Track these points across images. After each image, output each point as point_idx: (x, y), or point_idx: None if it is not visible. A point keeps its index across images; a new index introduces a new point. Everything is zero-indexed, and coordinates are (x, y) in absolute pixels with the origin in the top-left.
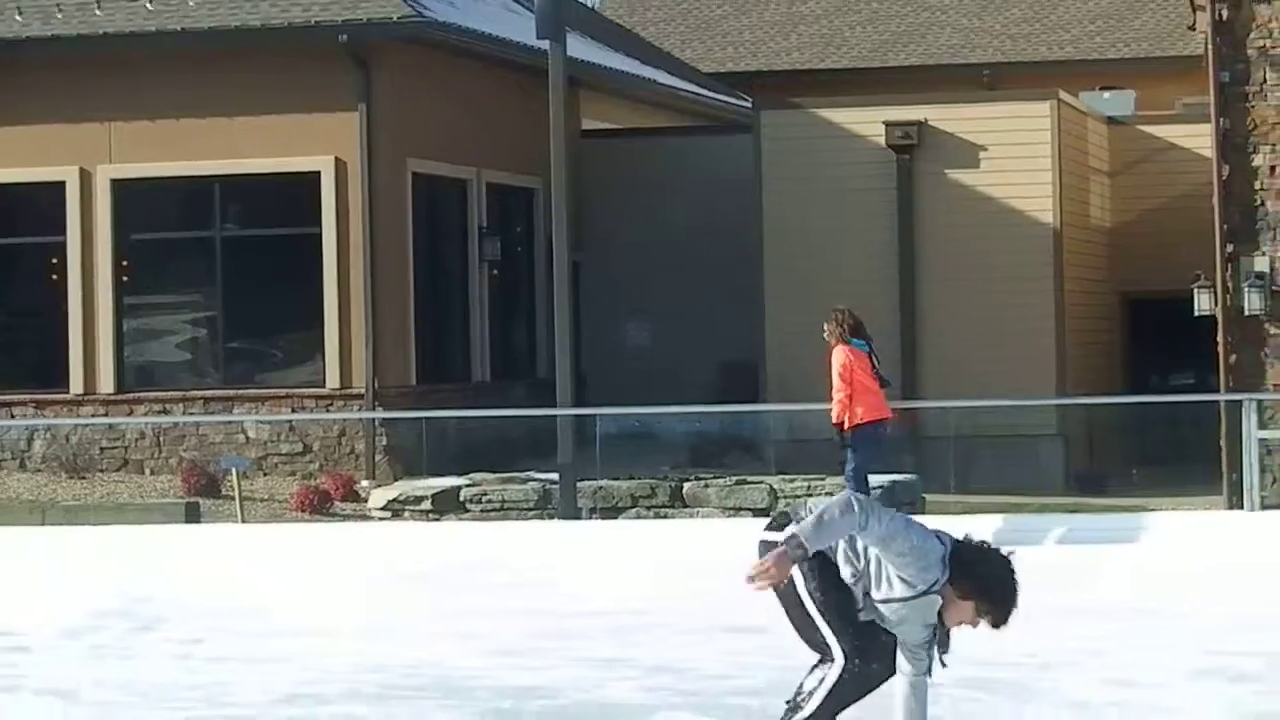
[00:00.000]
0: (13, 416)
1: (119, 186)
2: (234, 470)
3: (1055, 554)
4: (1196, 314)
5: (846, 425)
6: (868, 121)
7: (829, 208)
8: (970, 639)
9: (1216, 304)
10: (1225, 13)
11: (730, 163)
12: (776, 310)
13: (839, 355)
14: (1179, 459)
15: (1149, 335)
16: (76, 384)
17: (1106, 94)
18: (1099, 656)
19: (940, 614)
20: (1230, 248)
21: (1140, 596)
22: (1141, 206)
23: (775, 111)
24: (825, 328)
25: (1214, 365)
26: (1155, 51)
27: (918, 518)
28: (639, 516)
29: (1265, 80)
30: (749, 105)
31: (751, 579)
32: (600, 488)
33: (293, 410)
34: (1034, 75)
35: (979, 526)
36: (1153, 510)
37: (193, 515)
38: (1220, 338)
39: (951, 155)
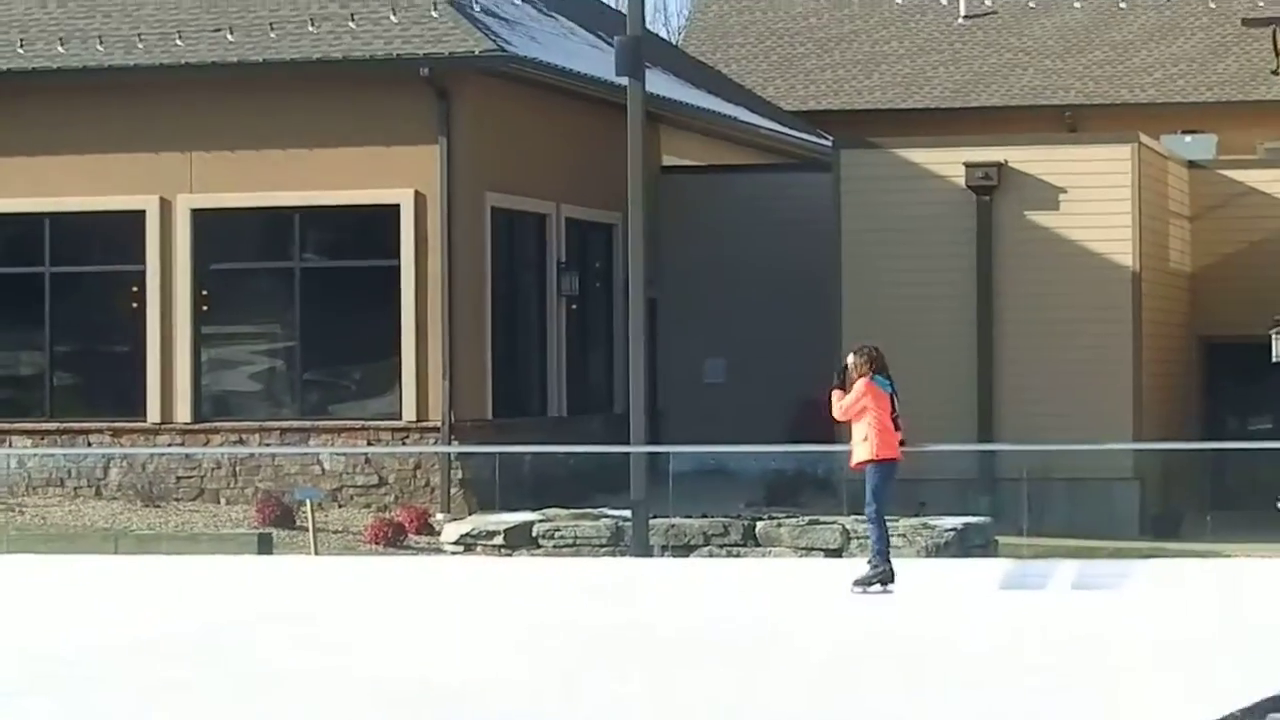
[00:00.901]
0: (89, 444)
1: (199, 216)
2: (308, 501)
3: (1129, 597)
4: (1275, 359)
5: (861, 462)
6: (948, 162)
7: (908, 247)
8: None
9: None
10: None
11: (810, 201)
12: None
13: (857, 391)
14: (1254, 504)
15: (1227, 380)
16: (154, 413)
17: (1188, 137)
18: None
19: None
20: None
21: (1213, 640)
22: (1221, 251)
23: (855, 150)
24: (849, 361)
25: None
26: (1237, 96)
27: (990, 560)
28: (711, 555)
29: None
30: (829, 144)
31: None
32: (673, 525)
33: (369, 442)
34: (1115, 118)
35: (1051, 570)
36: (1227, 556)
37: (265, 546)
38: None
39: (1031, 197)
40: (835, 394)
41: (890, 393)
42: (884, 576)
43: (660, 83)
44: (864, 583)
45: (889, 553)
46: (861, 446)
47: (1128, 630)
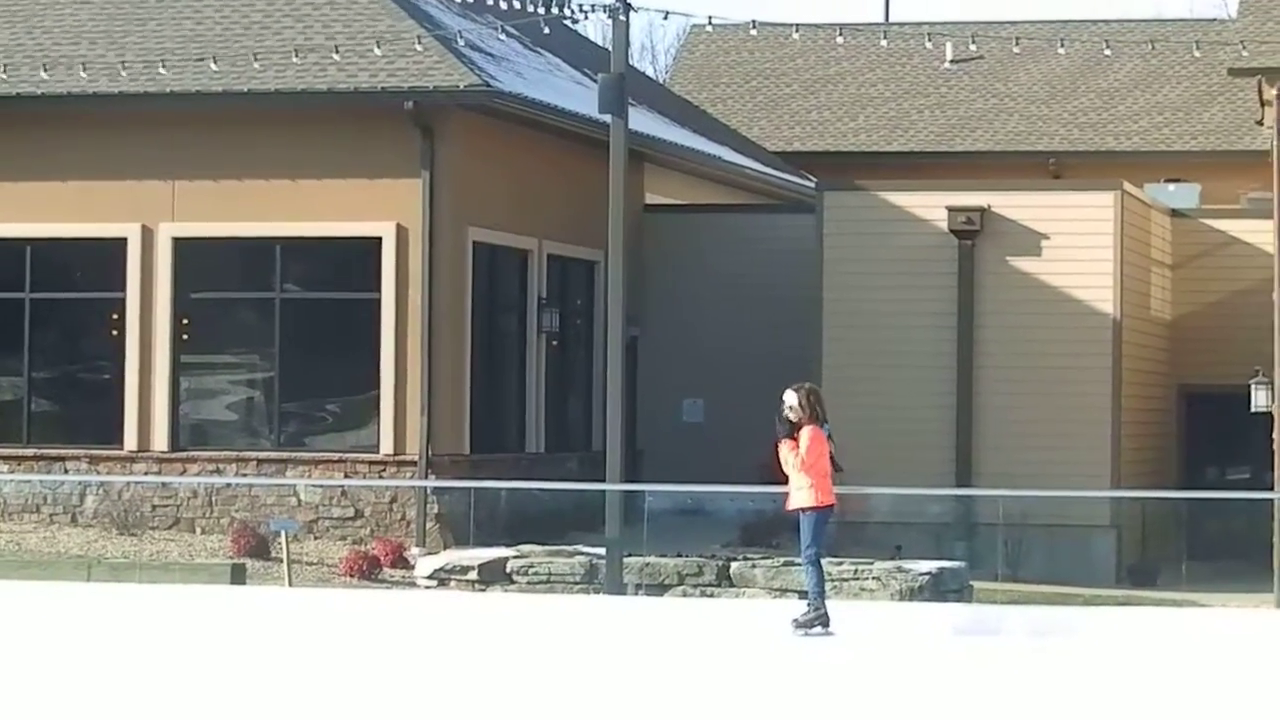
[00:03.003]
0: (66, 471)
1: (180, 244)
2: (284, 533)
3: (1103, 647)
4: (1253, 410)
5: (802, 508)
6: (931, 206)
7: (889, 290)
8: None
9: (1274, 400)
10: None
11: (792, 242)
12: (833, 389)
13: (813, 438)
14: (1231, 555)
15: (1206, 429)
16: (131, 440)
17: (1171, 186)
18: None
19: None
20: None
21: (1195, 695)
22: (1202, 300)
23: (839, 193)
24: (790, 400)
25: (1270, 462)
26: (1222, 145)
27: (965, 606)
28: (685, 594)
29: None
30: (813, 185)
31: None
32: (647, 564)
33: (345, 475)
34: (1099, 165)
35: (1029, 617)
36: (1202, 606)
37: (238, 577)
38: (1276, 434)
39: (1013, 242)
40: (786, 444)
41: (828, 435)
42: (824, 619)
43: (644, 121)
44: (805, 624)
45: (825, 594)
46: (804, 493)
47: (1059, 679)
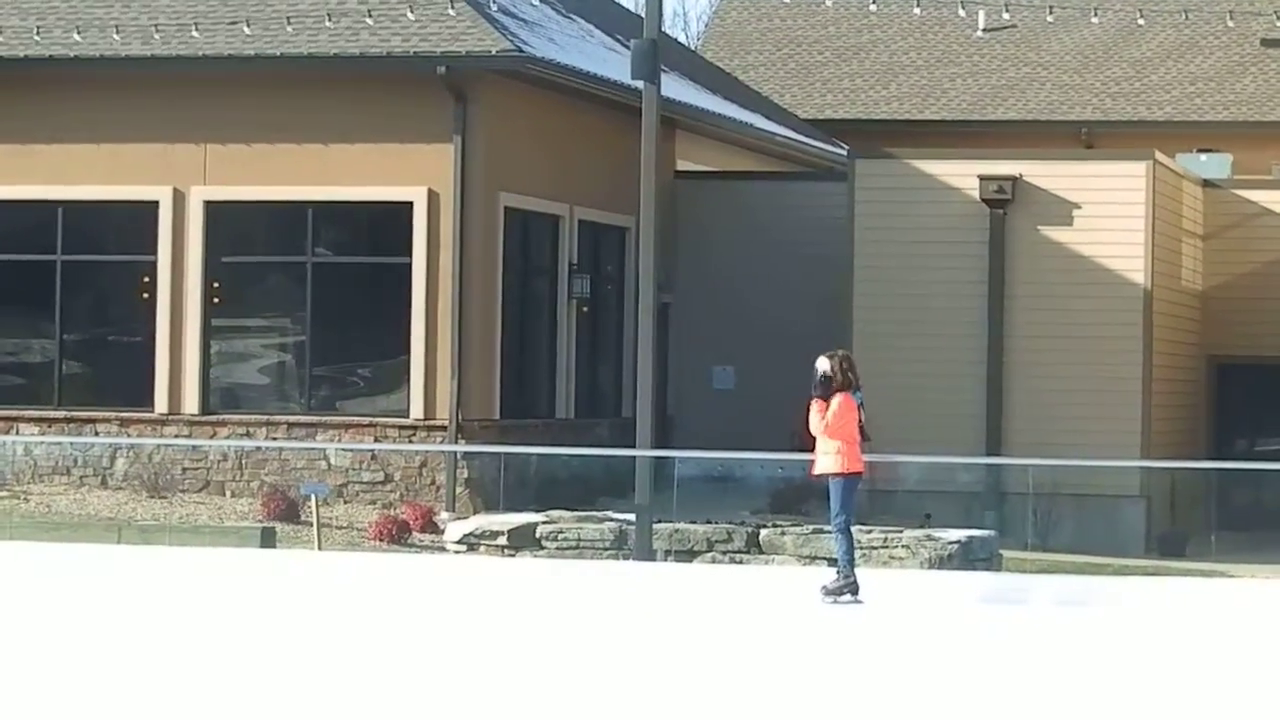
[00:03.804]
0: (96, 433)
1: (212, 208)
2: (314, 496)
3: (1131, 617)
4: None
5: (828, 474)
6: (963, 174)
7: (920, 258)
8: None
9: None
10: None
11: (824, 209)
12: (864, 357)
13: (843, 404)
14: (1261, 525)
15: (1237, 399)
16: (161, 403)
17: (1203, 156)
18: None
19: None
20: None
21: (1214, 665)
22: (1234, 270)
23: (871, 160)
24: (822, 367)
25: None
26: (1254, 116)
27: (995, 575)
28: (714, 561)
29: None
30: (845, 153)
31: None
32: (676, 530)
33: (375, 439)
34: (1131, 135)
35: (1056, 586)
36: (1231, 577)
37: (268, 541)
38: None
39: (1045, 212)
40: (816, 405)
41: (859, 403)
42: (853, 586)
43: (676, 88)
44: (834, 592)
45: (855, 562)
46: (831, 459)
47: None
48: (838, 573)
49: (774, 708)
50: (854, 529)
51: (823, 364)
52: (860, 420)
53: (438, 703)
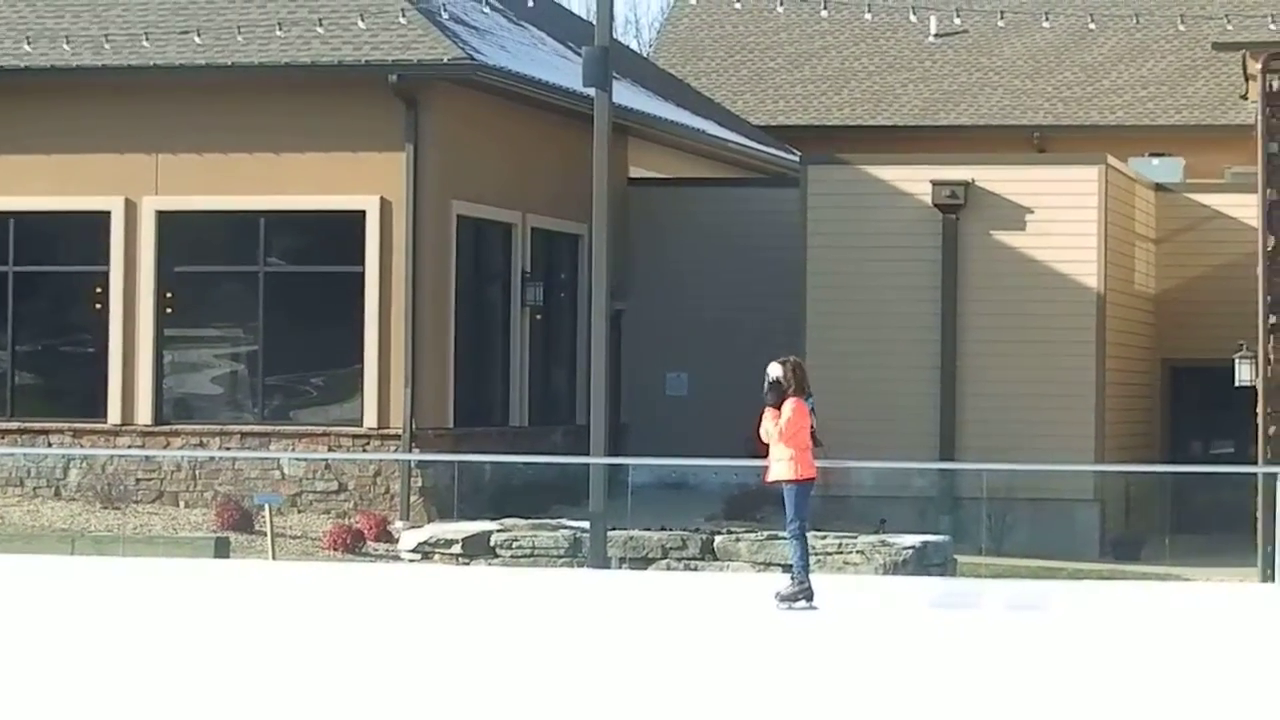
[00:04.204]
0: (50, 444)
1: (164, 218)
2: (268, 506)
3: (1086, 621)
4: (1237, 384)
5: (782, 480)
6: (915, 180)
7: (873, 264)
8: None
9: (1257, 375)
10: (1276, 83)
11: (777, 215)
12: (817, 362)
13: (796, 410)
14: (1215, 528)
15: (1190, 403)
16: (114, 414)
17: (1155, 160)
18: None
19: None
20: (1273, 319)
21: (1169, 668)
22: (1186, 274)
23: (823, 166)
24: (773, 373)
25: (1253, 436)
26: (1206, 119)
27: (949, 580)
28: (669, 568)
29: None
30: (797, 159)
31: None
32: (631, 537)
33: (329, 448)
34: (1083, 139)
35: (1010, 590)
36: (1186, 580)
37: (222, 551)
38: (1260, 409)
39: (997, 216)
40: (769, 412)
41: (811, 409)
42: (808, 593)
43: (629, 95)
44: (789, 598)
45: (809, 568)
46: (785, 465)
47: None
48: (792, 579)
49: (730, 714)
50: (809, 535)
51: (774, 370)
52: (812, 425)
53: (394, 712)
